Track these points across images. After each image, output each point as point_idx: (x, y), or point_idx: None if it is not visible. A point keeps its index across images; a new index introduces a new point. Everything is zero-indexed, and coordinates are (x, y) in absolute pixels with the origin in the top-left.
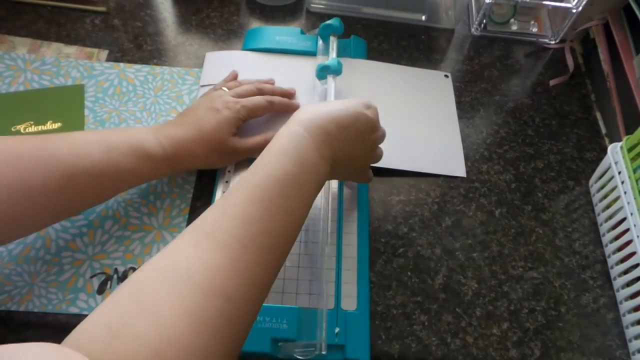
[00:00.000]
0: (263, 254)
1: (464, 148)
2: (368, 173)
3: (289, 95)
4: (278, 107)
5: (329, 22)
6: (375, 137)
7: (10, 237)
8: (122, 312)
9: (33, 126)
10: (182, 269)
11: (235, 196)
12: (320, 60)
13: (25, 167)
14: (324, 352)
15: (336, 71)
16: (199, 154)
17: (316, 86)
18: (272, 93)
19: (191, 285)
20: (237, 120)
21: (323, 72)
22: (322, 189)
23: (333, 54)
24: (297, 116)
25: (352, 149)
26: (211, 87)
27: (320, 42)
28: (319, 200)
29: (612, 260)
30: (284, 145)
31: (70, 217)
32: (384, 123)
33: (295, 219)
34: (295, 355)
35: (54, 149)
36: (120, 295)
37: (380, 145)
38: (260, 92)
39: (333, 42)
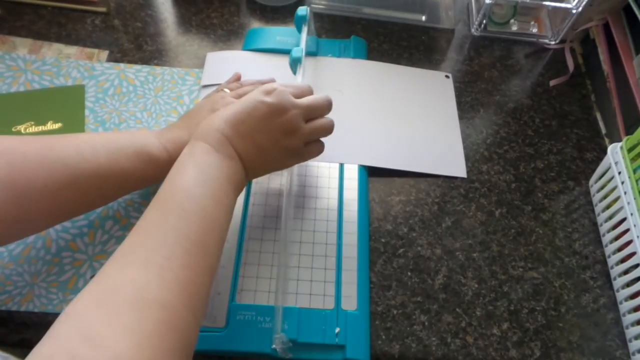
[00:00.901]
0: (187, 257)
1: (464, 148)
2: (303, 153)
3: None
4: None
5: (297, 12)
6: (286, 118)
7: (13, 237)
8: (63, 345)
9: (33, 126)
10: (112, 291)
11: (147, 214)
12: (322, 66)
13: (30, 167)
14: (330, 357)
15: (296, 59)
16: None
17: (318, 87)
18: None
19: (124, 304)
20: None
21: (294, 66)
22: (323, 189)
23: (302, 43)
24: (197, 128)
25: (257, 139)
26: (213, 87)
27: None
28: (319, 200)
29: (612, 260)
30: (182, 158)
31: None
32: (384, 123)
33: (213, 218)
34: (297, 356)
35: (60, 150)
36: (58, 328)
37: (381, 145)
38: None
39: (304, 32)
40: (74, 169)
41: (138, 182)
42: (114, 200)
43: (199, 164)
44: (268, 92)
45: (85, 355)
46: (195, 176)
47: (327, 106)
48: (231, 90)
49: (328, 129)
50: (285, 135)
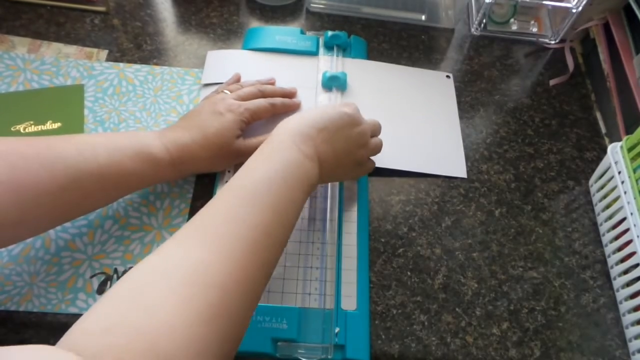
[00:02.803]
0: (253, 247)
1: (463, 148)
2: (363, 167)
3: (290, 95)
4: (280, 108)
5: (336, 33)
6: (360, 130)
7: (15, 239)
8: (116, 308)
9: (33, 126)
10: (176, 265)
11: (223, 197)
12: (322, 66)
13: (31, 169)
14: (330, 357)
15: (342, 85)
16: (204, 157)
17: (317, 87)
18: (274, 94)
19: (185, 280)
20: (241, 122)
21: (330, 83)
22: (323, 189)
23: (340, 66)
24: (280, 126)
25: (337, 147)
26: (213, 85)
27: (321, 43)
28: (319, 200)
29: (612, 260)
30: (268, 152)
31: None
32: (384, 123)
33: (283, 216)
34: (297, 356)
35: (60, 150)
36: (115, 293)
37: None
38: (262, 93)
39: (339, 54)
40: (74, 169)
41: (139, 182)
42: (115, 201)
43: (284, 159)
44: (345, 104)
45: (138, 321)
46: (278, 170)
47: (380, 128)
48: (231, 91)
49: (380, 148)
50: (358, 147)
